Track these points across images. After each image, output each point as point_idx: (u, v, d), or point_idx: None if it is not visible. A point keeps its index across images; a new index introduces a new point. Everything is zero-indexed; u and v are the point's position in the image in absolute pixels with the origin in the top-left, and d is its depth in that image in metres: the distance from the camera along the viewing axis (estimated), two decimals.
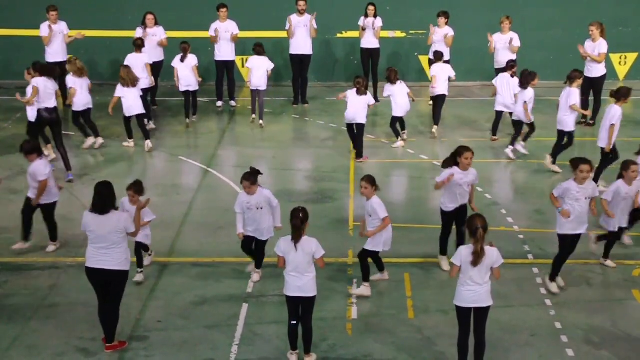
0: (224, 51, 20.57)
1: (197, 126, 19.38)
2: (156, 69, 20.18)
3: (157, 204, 14.16)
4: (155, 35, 20.15)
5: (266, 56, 19.27)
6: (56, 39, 20.05)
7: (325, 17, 21.73)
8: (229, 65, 20.79)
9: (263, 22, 22.16)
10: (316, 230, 13.12)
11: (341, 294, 11.36)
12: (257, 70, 19.09)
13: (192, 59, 19.09)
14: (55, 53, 20.06)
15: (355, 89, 16.45)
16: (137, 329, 10.48)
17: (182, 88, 19.20)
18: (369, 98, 16.70)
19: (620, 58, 23.43)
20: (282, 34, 20.98)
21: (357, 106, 16.53)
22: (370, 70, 21.10)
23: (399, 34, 22.45)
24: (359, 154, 16.81)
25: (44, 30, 19.92)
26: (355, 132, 16.78)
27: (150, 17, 20.14)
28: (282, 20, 20.76)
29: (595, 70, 18.85)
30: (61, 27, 20.17)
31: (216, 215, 13.83)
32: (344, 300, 11.18)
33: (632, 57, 23.53)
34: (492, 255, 9.08)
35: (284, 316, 10.59)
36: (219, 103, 20.81)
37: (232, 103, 20.97)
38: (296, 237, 9.38)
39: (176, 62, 19.04)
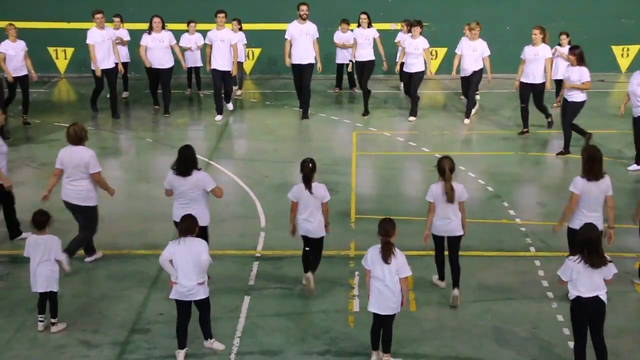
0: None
1: (200, 119, 19.44)
2: (167, 75, 19.78)
3: (159, 196, 14.23)
4: (163, 40, 19.41)
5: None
6: (104, 44, 19.09)
7: (328, 9, 21.68)
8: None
9: (267, 15, 22.16)
10: None
11: (343, 286, 11.40)
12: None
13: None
14: (102, 60, 19.14)
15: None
16: (139, 321, 10.51)
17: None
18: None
19: (623, 50, 23.45)
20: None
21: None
22: (360, 83, 20.24)
23: (400, 26, 22.46)
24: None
25: (91, 37, 19.02)
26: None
27: (157, 20, 19.31)
28: (287, 13, 20.60)
29: (540, 77, 17.74)
30: (109, 33, 19.36)
31: (218, 207, 13.78)
32: (345, 292, 11.22)
33: (634, 49, 23.54)
34: (459, 190, 10.79)
35: (286, 308, 10.78)
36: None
37: (229, 106, 20.14)
38: (307, 184, 10.73)
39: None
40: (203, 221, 10.71)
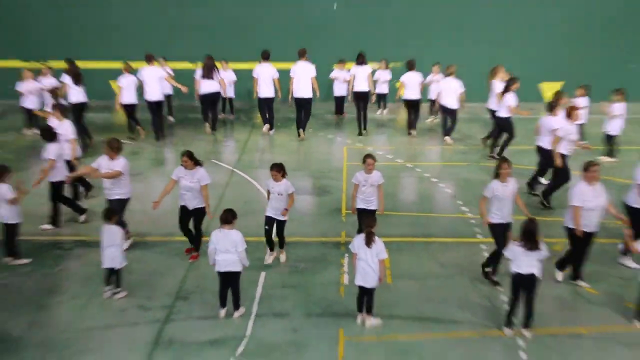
0: (263, 90, 18.88)
1: (226, 137, 19.29)
2: (217, 99, 19.76)
3: None
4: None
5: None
6: (152, 79, 18.59)
7: (327, 51, 21.43)
8: (267, 102, 19.21)
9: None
10: (317, 217, 13.27)
11: (335, 264, 11.54)
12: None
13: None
14: (151, 91, 18.64)
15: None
16: (181, 291, 10.69)
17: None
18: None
19: None
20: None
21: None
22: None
23: (376, 65, 21.50)
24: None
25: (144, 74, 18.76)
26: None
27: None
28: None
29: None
30: (158, 71, 18.72)
31: (241, 204, 13.84)
32: (337, 269, 11.36)
33: None
34: (378, 175, 11.40)
35: (292, 282, 10.84)
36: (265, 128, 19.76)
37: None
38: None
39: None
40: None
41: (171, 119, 20.89)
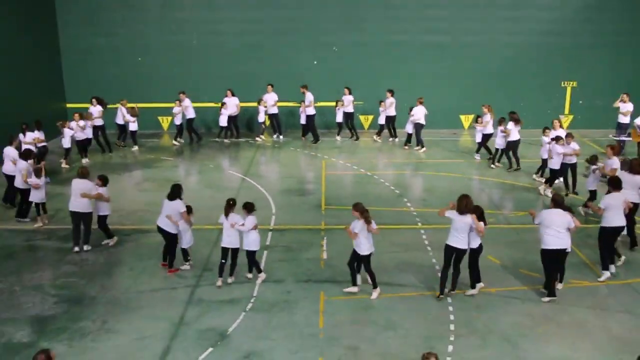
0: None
1: (239, 153, 18.72)
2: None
3: (215, 197, 14.10)
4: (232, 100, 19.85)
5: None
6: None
7: (318, 88, 20.88)
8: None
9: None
10: (303, 211, 13.47)
11: (317, 245, 11.59)
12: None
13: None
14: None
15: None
16: (207, 264, 10.75)
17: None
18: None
19: None
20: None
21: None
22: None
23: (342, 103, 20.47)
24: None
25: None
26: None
27: (229, 92, 19.65)
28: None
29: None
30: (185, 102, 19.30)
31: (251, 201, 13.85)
32: (318, 249, 11.46)
33: None
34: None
35: (286, 257, 11.09)
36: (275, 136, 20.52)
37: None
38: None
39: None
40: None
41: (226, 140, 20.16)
